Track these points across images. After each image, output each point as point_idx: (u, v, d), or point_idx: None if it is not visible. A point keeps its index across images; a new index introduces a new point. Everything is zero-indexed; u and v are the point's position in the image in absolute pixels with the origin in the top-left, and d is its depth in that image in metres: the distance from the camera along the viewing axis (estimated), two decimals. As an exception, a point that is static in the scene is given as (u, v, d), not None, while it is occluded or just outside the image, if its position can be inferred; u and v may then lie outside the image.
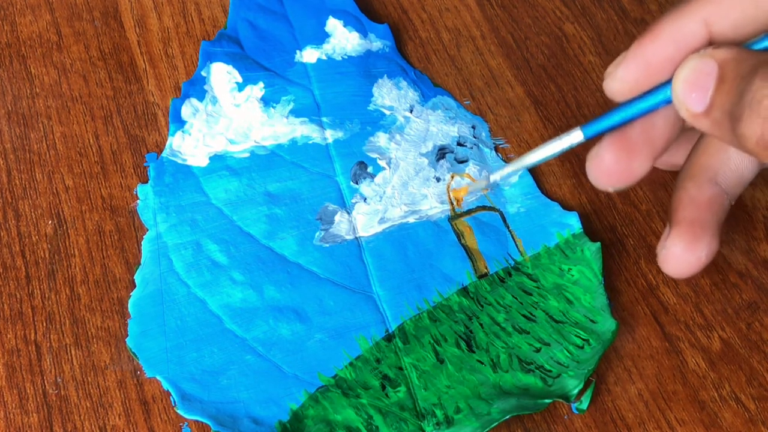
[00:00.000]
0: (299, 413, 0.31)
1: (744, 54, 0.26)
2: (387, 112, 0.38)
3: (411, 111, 0.39)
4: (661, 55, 0.28)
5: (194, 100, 0.38)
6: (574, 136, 0.30)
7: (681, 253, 0.30)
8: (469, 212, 0.36)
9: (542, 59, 0.41)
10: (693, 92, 0.26)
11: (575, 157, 0.38)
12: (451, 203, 0.36)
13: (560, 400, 0.31)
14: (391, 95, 0.39)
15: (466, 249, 0.35)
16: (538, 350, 0.33)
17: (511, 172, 0.32)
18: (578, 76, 0.40)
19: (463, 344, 0.33)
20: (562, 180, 0.37)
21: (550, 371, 0.32)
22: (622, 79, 0.28)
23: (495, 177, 0.33)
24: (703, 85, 0.26)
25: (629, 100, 0.29)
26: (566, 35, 0.42)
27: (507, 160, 0.38)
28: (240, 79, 0.39)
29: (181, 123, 0.38)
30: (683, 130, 0.30)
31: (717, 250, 0.30)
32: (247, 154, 0.37)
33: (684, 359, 0.33)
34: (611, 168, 0.29)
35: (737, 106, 0.25)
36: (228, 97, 0.38)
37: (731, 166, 0.31)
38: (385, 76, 0.39)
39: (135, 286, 0.34)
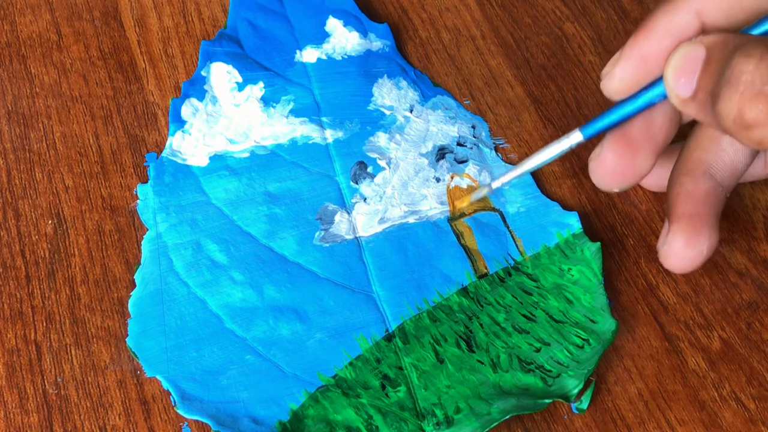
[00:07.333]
0: (299, 413, 0.31)
1: (731, 37, 0.25)
2: (387, 112, 0.38)
3: (411, 111, 0.39)
4: (656, 49, 0.28)
5: (194, 100, 0.38)
6: (573, 138, 0.30)
7: (682, 249, 0.30)
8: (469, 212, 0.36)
9: (542, 59, 0.41)
10: (682, 78, 0.26)
11: (575, 157, 0.38)
12: (451, 204, 0.36)
13: (560, 400, 0.31)
14: (391, 95, 0.39)
15: (466, 249, 0.35)
16: (538, 350, 0.33)
17: (513, 179, 0.32)
18: (578, 76, 0.40)
19: (463, 344, 0.33)
20: (562, 180, 0.37)
21: (550, 371, 0.32)
22: (620, 77, 0.28)
23: (496, 184, 0.33)
24: (692, 69, 0.26)
25: (627, 97, 0.28)
26: (566, 35, 0.42)
27: (507, 159, 0.38)
28: (240, 79, 0.39)
29: (181, 123, 0.38)
30: (675, 136, 0.30)
31: (717, 243, 0.30)
32: (247, 154, 0.37)
33: (684, 359, 0.33)
34: (614, 167, 0.29)
35: (717, 85, 0.24)
36: (228, 96, 0.38)
37: (725, 158, 0.31)
38: (385, 75, 0.39)
39: (135, 286, 0.34)
